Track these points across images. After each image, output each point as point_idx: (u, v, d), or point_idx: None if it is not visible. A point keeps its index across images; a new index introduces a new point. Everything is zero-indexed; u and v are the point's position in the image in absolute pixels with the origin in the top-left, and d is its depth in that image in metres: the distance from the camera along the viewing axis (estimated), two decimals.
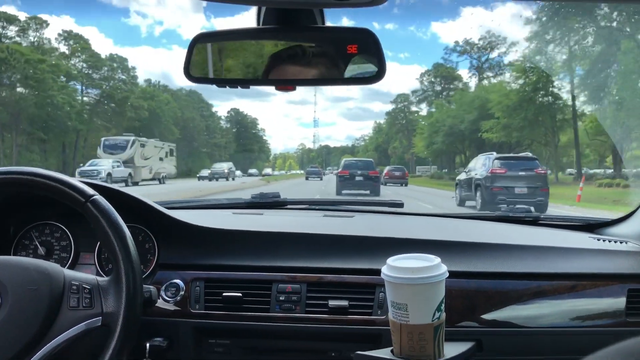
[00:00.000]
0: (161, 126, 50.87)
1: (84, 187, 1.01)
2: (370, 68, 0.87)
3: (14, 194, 1.27)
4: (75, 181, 1.03)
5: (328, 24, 0.88)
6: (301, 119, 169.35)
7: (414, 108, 68.88)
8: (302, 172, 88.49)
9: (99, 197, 1.00)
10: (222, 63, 0.92)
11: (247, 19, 0.87)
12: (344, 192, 16.30)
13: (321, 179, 33.10)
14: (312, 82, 0.90)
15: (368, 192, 16.28)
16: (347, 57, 0.87)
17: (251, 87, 0.91)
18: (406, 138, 71.72)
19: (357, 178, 16.82)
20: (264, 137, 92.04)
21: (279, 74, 0.88)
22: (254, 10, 0.85)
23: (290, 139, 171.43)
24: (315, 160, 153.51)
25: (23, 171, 1.01)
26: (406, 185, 24.64)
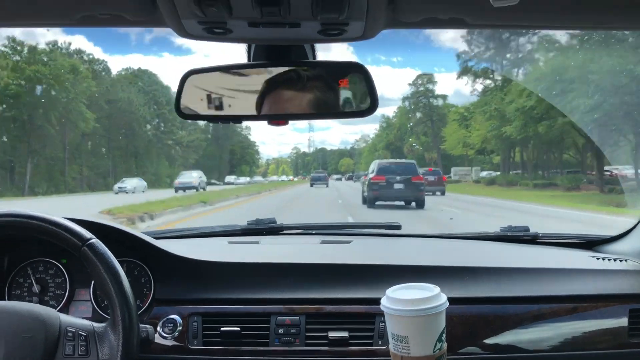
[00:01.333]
0: (59, 107, 29.88)
1: (81, 230, 1.06)
2: (362, 101, 0.91)
3: (8, 233, 1.31)
4: (71, 224, 1.07)
5: (319, 56, 0.92)
6: (295, 124, 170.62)
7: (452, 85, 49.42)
8: (295, 178, 79.27)
9: (95, 241, 1.06)
10: (213, 99, 0.94)
11: (239, 49, 0.91)
12: (378, 204, 13.74)
13: (327, 186, 30.63)
14: (304, 117, 0.93)
15: (406, 204, 13.79)
16: (339, 90, 0.91)
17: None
18: (427, 131, 56.80)
19: (397, 186, 13.62)
20: (249, 137, 79.13)
21: (271, 109, 0.92)
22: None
23: (284, 145, 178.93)
24: (310, 164, 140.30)
25: (19, 214, 1.06)
26: (443, 193, 19.80)
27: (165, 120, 49.81)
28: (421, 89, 57.81)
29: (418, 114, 57.05)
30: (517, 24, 0.85)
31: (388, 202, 13.60)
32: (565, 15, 0.81)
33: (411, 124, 57.87)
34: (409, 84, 58.77)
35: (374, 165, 15.16)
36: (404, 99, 59.48)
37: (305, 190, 26.50)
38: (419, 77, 57.25)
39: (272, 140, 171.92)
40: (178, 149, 52.57)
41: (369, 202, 13.71)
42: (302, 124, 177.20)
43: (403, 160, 18.27)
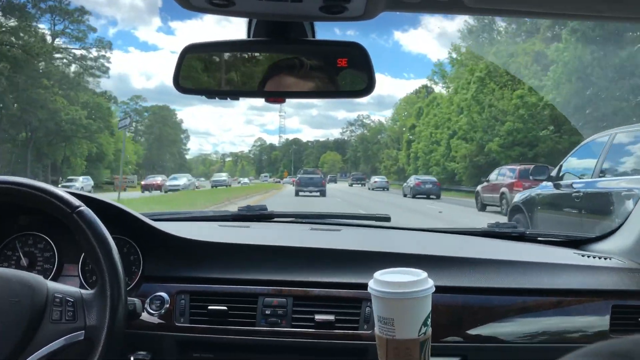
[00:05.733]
0: None
1: (70, 197, 1.07)
2: (360, 81, 0.92)
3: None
4: (61, 192, 1.09)
5: (318, 36, 0.94)
6: (265, 125, 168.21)
7: None
8: (230, 182, 46.19)
9: (84, 209, 1.06)
10: (211, 74, 0.94)
11: (236, 29, 0.78)
12: None
13: (324, 195, 22.70)
14: (302, 95, 0.94)
15: None
16: (337, 70, 0.91)
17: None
18: None
19: None
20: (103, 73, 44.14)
21: (269, 87, 0.92)
22: (241, 21, 0.90)
23: (255, 146, 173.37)
24: (279, 161, 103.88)
25: (9, 180, 1.07)
26: None
27: None
28: None
29: None
30: (519, 9, 0.79)
31: None
32: (579, 2, 0.75)
33: None
34: None
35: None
36: None
37: None
38: None
39: (242, 142, 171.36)
40: None
41: None
42: (273, 125, 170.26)
43: None
